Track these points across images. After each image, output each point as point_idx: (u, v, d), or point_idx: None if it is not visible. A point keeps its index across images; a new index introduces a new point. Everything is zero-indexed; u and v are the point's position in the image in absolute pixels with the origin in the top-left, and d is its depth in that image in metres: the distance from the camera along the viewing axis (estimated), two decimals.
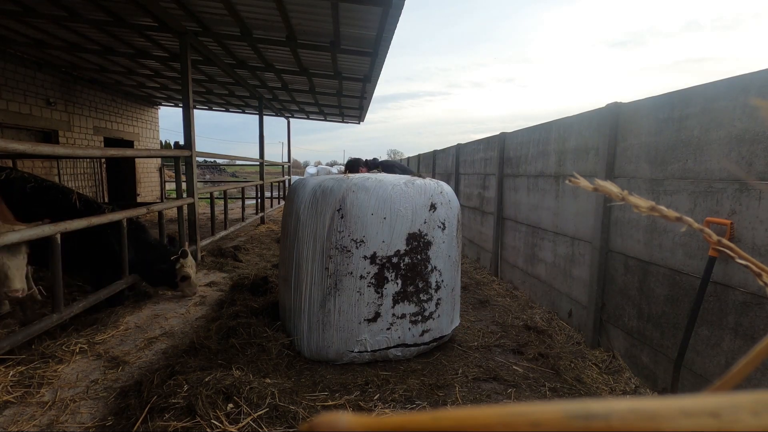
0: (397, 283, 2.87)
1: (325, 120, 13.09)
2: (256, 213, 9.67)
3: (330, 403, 2.43)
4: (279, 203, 12.59)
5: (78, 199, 3.92)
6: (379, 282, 2.85)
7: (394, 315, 2.91)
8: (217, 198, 7.47)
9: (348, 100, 9.27)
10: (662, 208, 0.46)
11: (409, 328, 2.96)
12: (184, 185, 5.47)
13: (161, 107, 12.17)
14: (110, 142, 9.84)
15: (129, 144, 10.58)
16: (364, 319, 2.87)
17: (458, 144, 7.74)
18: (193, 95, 5.94)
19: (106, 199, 9.34)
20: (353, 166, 5.05)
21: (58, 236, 2.96)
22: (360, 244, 2.82)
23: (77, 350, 3.07)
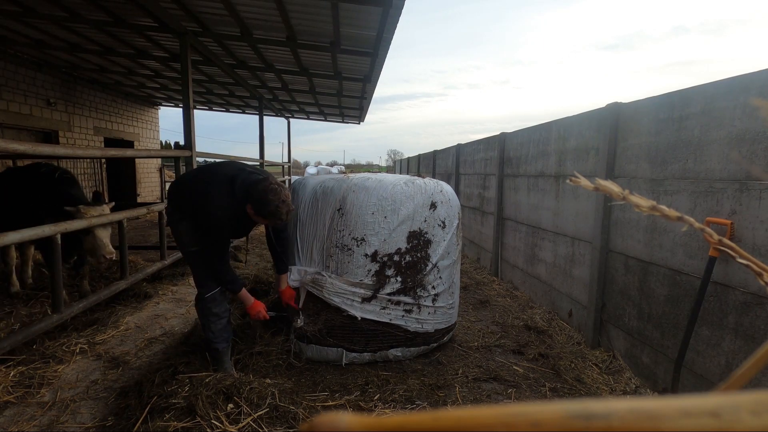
0: (398, 280, 2.88)
1: (325, 120, 13.09)
2: None
3: (330, 403, 2.43)
4: None
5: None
6: (380, 279, 2.85)
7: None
8: None
9: (348, 100, 9.27)
10: (663, 207, 0.46)
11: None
12: None
13: (161, 107, 12.16)
14: (110, 143, 9.84)
15: (129, 144, 10.58)
16: None
17: (458, 144, 7.74)
18: (193, 95, 5.94)
19: (107, 200, 9.33)
20: None
21: (58, 236, 2.96)
22: (361, 243, 2.82)
23: (77, 350, 3.07)
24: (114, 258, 3.69)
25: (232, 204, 2.46)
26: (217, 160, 2.86)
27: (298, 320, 2.87)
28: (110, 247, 3.66)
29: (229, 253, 2.84)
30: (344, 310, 2.82)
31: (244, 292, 2.71)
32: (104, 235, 3.67)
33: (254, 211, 2.44)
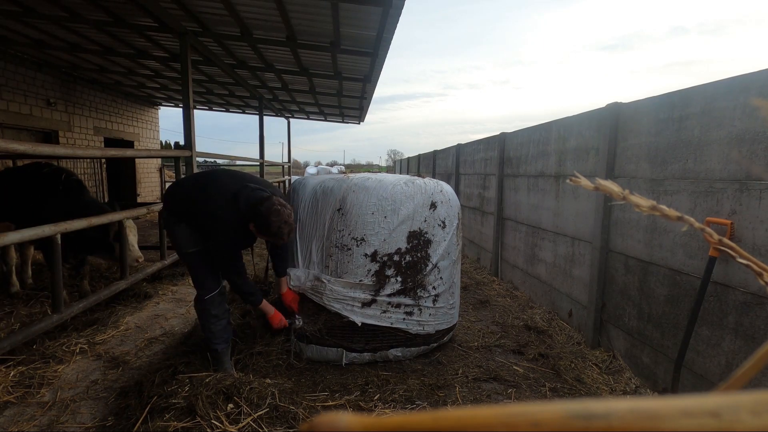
0: (398, 280, 2.87)
1: (326, 120, 13.08)
2: None
3: (330, 403, 2.43)
4: None
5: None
6: (380, 279, 2.85)
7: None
8: None
9: (348, 100, 9.27)
10: (663, 207, 0.46)
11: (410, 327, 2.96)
12: None
13: (161, 107, 12.16)
14: (110, 143, 9.84)
15: (129, 144, 10.58)
16: None
17: (458, 144, 7.74)
18: (193, 95, 5.94)
19: (106, 200, 9.34)
20: None
21: (58, 236, 2.96)
22: (360, 243, 2.82)
23: (77, 350, 3.07)
24: (142, 261, 4.06)
25: (238, 220, 2.47)
26: (216, 169, 2.89)
27: (296, 321, 2.86)
28: (139, 251, 4.02)
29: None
30: (345, 316, 2.82)
31: (265, 303, 2.71)
32: (134, 241, 3.98)
33: (257, 230, 2.44)
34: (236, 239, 2.53)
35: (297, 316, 2.87)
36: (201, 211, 2.51)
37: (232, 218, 2.45)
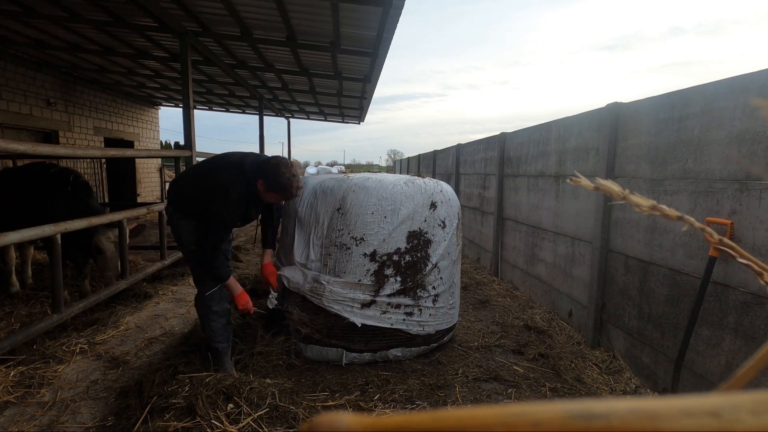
0: (397, 280, 2.87)
1: (326, 120, 13.09)
2: None
3: (330, 403, 2.43)
4: None
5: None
6: (379, 279, 2.85)
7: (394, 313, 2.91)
8: None
9: (348, 100, 9.27)
10: (664, 207, 0.46)
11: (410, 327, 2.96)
12: None
13: (161, 107, 12.16)
14: (110, 143, 9.84)
15: (129, 144, 10.58)
16: None
17: (458, 144, 7.74)
18: (193, 95, 5.94)
19: (106, 200, 9.33)
20: None
21: (58, 236, 2.96)
22: (360, 242, 2.82)
23: (77, 350, 3.07)
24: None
25: (244, 186, 2.50)
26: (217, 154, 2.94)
27: (271, 300, 2.81)
28: (119, 269, 3.92)
29: (230, 251, 2.82)
30: (345, 317, 2.81)
31: (232, 280, 2.67)
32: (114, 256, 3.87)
33: (266, 187, 2.47)
34: (238, 209, 2.52)
35: (272, 293, 2.83)
36: (209, 189, 2.51)
37: (240, 185, 2.48)
